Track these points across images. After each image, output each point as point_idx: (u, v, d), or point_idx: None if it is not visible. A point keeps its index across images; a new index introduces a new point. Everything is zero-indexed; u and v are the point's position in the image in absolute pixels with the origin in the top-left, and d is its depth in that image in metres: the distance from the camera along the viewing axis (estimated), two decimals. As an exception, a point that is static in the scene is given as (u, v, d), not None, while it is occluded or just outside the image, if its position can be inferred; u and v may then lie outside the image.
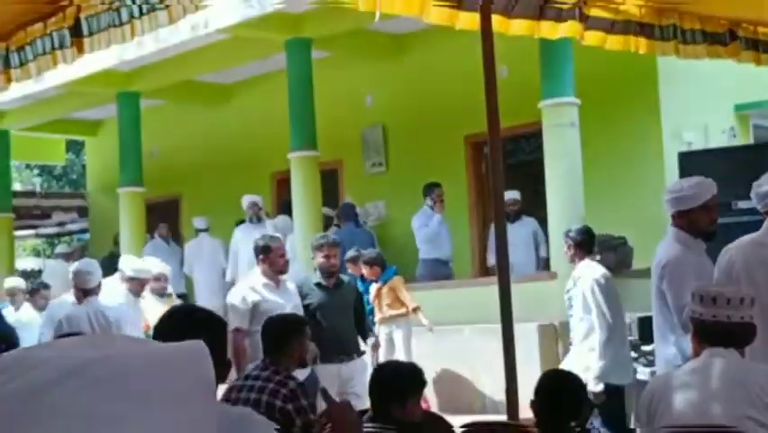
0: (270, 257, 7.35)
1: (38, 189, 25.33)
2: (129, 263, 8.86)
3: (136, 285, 8.46)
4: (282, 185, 13.42)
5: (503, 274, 4.40)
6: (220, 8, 10.07)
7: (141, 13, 5.40)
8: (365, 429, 3.40)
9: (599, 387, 7.07)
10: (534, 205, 10.99)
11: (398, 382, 4.00)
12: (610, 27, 6.71)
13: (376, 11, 5.54)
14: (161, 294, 8.86)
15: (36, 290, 9.72)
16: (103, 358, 1.03)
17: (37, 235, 23.53)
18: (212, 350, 2.80)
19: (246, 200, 12.52)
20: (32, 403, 0.99)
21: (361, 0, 5.51)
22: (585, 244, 7.60)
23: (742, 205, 7.29)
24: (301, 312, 7.07)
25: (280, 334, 3.79)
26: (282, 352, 4.26)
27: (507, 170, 12.69)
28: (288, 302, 7.15)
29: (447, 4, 5.57)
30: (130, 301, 8.39)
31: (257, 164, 14.18)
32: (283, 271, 7.46)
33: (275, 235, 8.07)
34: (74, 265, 8.89)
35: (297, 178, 11.86)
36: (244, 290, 7.34)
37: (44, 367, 1.01)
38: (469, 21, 5.49)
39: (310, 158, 11.87)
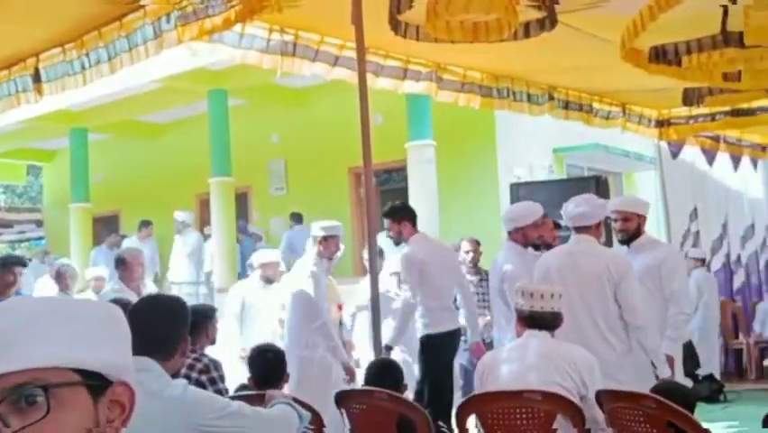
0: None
1: (2, 204, 24.48)
2: (320, 223, 7.16)
3: (331, 244, 6.66)
4: (204, 204, 13.26)
5: (373, 272, 4.46)
6: (155, 62, 9.94)
7: (90, 65, 5.32)
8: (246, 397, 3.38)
9: None
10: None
11: (279, 360, 4.01)
12: (459, 87, 6.89)
13: (278, 69, 5.61)
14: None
15: None
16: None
17: (0, 242, 22.76)
18: (172, 326, 2.81)
19: (175, 215, 12.27)
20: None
21: (266, 59, 5.55)
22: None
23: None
24: None
25: (195, 319, 3.72)
26: (197, 334, 4.21)
27: (381, 194, 12.87)
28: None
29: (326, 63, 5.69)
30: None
31: (184, 186, 13.93)
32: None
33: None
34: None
35: (216, 198, 11.81)
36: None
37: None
38: (346, 75, 5.60)
39: (226, 182, 11.84)
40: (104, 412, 1.11)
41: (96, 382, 1.10)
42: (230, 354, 6.50)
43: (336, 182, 12.62)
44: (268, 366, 3.90)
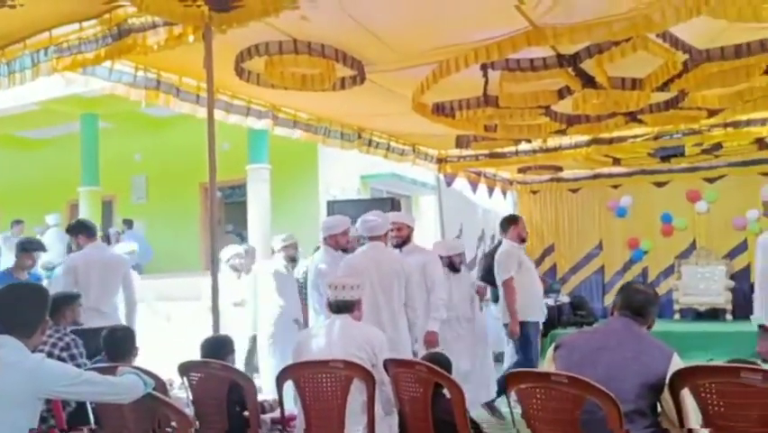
0: (518, 227, 6.20)
1: None
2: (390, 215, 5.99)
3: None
4: (74, 208, 12.37)
5: (214, 271, 4.33)
6: (35, 87, 9.20)
7: (-27, 86, 4.83)
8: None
9: None
10: (243, 226, 10.90)
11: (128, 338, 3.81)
12: (291, 125, 6.84)
13: (142, 100, 5.34)
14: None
15: None
16: None
17: None
18: (32, 309, 2.57)
19: (45, 218, 11.32)
20: None
21: (133, 92, 5.27)
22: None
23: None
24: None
25: (55, 304, 3.43)
26: (59, 316, 3.90)
27: (227, 205, 12.61)
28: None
29: (186, 100, 5.49)
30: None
31: (57, 193, 12.93)
32: (525, 240, 6.39)
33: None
34: None
35: (84, 204, 11.02)
36: (512, 252, 6.03)
37: None
38: (203, 111, 5.41)
39: (94, 192, 11.07)
40: None
41: None
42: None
43: (189, 195, 12.20)
44: (118, 342, 3.67)
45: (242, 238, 10.75)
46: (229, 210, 12.49)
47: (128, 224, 11.55)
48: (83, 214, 10.98)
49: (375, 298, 4.75)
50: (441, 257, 5.92)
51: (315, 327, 3.92)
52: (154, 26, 4.37)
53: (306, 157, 11.01)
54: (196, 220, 12.24)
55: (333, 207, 9.15)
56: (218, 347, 3.82)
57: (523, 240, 6.36)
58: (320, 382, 3.46)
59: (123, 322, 5.42)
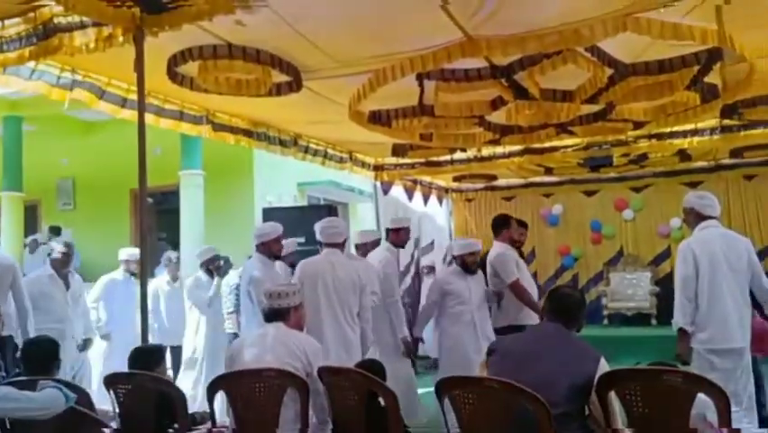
0: (510, 229, 5.99)
1: None
2: (392, 218, 6.54)
3: (401, 234, 6.11)
4: (-6, 215, 11.81)
5: (143, 279, 4.21)
6: (-47, 87, 8.75)
7: None
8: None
9: None
10: (175, 234, 10.63)
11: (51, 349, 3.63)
12: (227, 130, 6.75)
13: (65, 101, 5.16)
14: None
15: None
16: None
17: None
18: None
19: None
20: None
21: (55, 92, 5.09)
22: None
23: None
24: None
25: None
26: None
27: (159, 212, 12.28)
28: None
29: (114, 103, 5.34)
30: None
31: (-24, 198, 12.35)
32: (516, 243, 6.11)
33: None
34: None
35: (6, 210, 10.50)
36: (508, 254, 5.83)
37: None
38: (131, 115, 5.26)
39: (16, 197, 10.57)
40: None
41: None
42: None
43: (118, 201, 11.83)
44: (38, 355, 3.50)
45: (175, 246, 10.47)
46: (161, 217, 12.18)
47: (55, 231, 11.10)
48: (4, 219, 10.51)
49: (332, 303, 4.79)
50: (453, 257, 5.85)
51: (248, 336, 3.85)
52: (82, 26, 4.24)
53: (242, 163, 10.85)
54: (125, 227, 11.88)
55: (270, 214, 9.04)
56: (147, 358, 3.71)
57: (514, 243, 6.11)
58: (252, 392, 3.39)
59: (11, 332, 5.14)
